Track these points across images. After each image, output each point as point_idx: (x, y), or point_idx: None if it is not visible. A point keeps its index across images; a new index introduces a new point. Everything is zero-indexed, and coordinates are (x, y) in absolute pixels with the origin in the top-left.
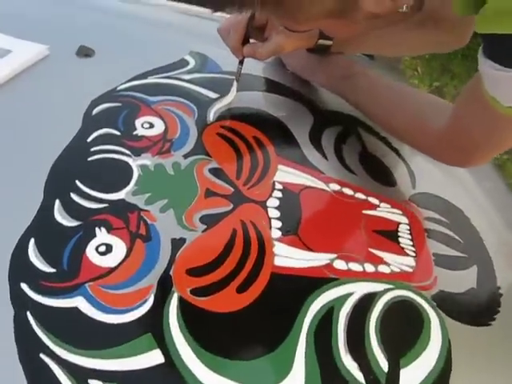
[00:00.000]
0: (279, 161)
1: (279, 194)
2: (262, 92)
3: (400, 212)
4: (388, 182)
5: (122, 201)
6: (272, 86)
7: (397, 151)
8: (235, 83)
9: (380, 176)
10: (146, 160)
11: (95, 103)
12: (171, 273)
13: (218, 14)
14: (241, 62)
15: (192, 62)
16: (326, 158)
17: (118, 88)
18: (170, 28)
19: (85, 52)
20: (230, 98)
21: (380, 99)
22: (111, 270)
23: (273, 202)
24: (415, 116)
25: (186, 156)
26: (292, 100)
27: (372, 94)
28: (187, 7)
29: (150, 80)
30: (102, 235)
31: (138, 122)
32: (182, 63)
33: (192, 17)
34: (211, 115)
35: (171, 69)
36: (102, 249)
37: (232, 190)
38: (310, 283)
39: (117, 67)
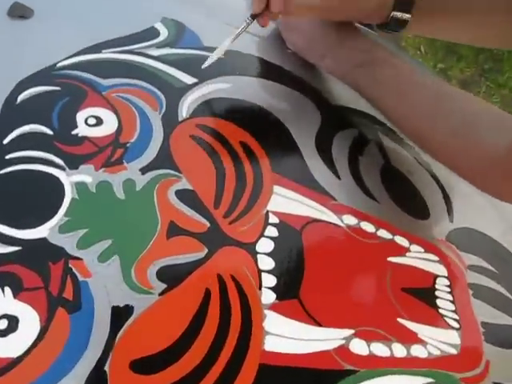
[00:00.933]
0: (275, 180)
1: (274, 232)
2: (255, 78)
3: (436, 258)
4: (418, 213)
5: (42, 242)
6: (267, 70)
7: (428, 167)
8: (231, 38)
9: (408, 203)
10: (86, 175)
11: (22, 86)
12: (107, 368)
13: None
14: (254, 17)
15: (164, 33)
16: (337, 176)
17: (59, 65)
18: None
19: (19, 12)
20: (219, 54)
21: (409, 99)
22: (12, 364)
23: (265, 245)
24: (460, 129)
25: (144, 170)
26: (293, 90)
27: (398, 91)
28: None
29: (104, 55)
30: (3, 302)
31: (80, 116)
32: (150, 33)
33: None
34: (184, 108)
35: (134, 40)
36: (2, 325)
37: (207, 224)
38: (315, 379)
39: (60, 35)
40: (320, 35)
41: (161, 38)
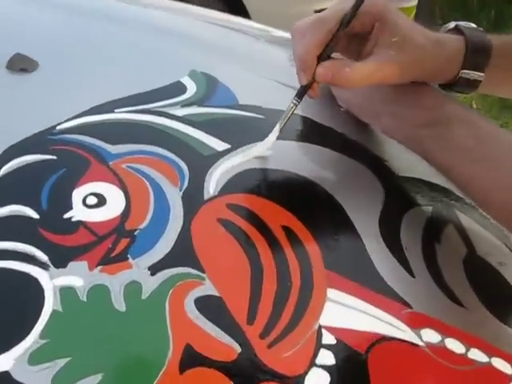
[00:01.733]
0: (330, 280)
1: (329, 358)
2: (300, 142)
3: None
4: None
5: (4, 377)
6: (315, 133)
7: None
8: (278, 125)
9: (504, 308)
10: (76, 276)
11: (9, 154)
12: None
13: None
14: (301, 93)
15: (191, 88)
16: (411, 272)
17: (59, 127)
18: (161, 33)
19: (20, 64)
20: (265, 148)
21: (497, 165)
22: None
23: (317, 379)
24: None
25: (154, 269)
26: (347, 157)
27: (481, 156)
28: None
29: (116, 115)
30: None
31: (77, 194)
32: (175, 89)
33: (197, 21)
34: (212, 183)
35: (155, 98)
36: None
37: (237, 350)
38: None
39: (66, 92)
40: (376, 90)
41: (188, 95)
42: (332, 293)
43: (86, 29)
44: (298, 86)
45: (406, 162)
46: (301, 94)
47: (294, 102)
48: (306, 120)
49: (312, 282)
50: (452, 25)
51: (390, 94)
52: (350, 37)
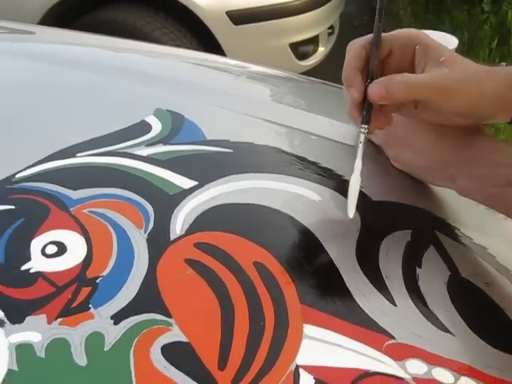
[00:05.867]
0: (306, 315)
1: None
2: (268, 174)
3: None
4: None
5: None
6: (286, 163)
7: (509, 274)
8: (359, 162)
9: (492, 331)
10: (34, 332)
11: None
12: None
13: None
14: (366, 119)
15: (156, 127)
16: (392, 301)
17: (18, 176)
18: (126, 74)
19: None
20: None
21: None
22: None
23: None
24: None
25: (117, 318)
26: (320, 185)
27: None
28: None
29: (78, 159)
30: None
31: (36, 244)
32: (139, 129)
33: (164, 60)
34: (178, 222)
35: (119, 139)
36: None
37: None
38: None
39: (24, 139)
40: (447, 152)
41: (152, 134)
42: (309, 329)
43: (44, 74)
44: (273, 118)
45: (382, 186)
46: (366, 119)
47: (362, 130)
48: (276, 149)
49: (287, 319)
50: None
51: (464, 155)
52: (396, 73)
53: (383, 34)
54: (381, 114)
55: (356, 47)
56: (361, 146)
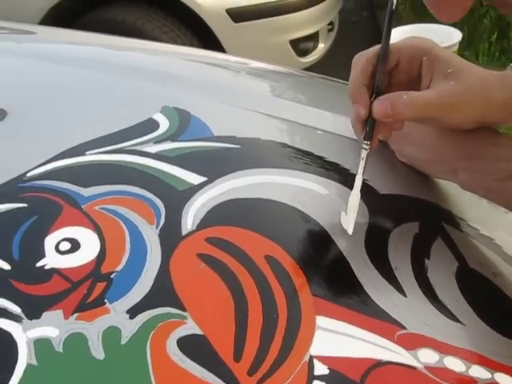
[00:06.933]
0: (318, 307)
1: None
2: (278, 169)
3: None
4: None
5: None
6: (294, 158)
7: None
8: (359, 179)
9: (501, 319)
10: (51, 327)
11: None
12: None
13: None
14: (369, 134)
15: (164, 124)
16: (402, 292)
17: (29, 174)
18: (132, 73)
19: None
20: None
21: None
22: None
23: None
24: None
25: (133, 312)
26: (328, 179)
27: None
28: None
29: (88, 157)
30: None
31: (50, 241)
32: (147, 126)
33: (170, 58)
34: (189, 218)
35: (127, 137)
36: None
37: None
38: None
39: (35, 138)
40: (450, 145)
41: (160, 131)
42: (321, 320)
43: (53, 73)
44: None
45: (388, 180)
46: (369, 135)
47: (365, 147)
48: (282, 144)
49: (300, 311)
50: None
51: (466, 149)
52: (404, 84)
53: (390, 45)
54: (384, 127)
55: (362, 62)
56: (362, 162)
